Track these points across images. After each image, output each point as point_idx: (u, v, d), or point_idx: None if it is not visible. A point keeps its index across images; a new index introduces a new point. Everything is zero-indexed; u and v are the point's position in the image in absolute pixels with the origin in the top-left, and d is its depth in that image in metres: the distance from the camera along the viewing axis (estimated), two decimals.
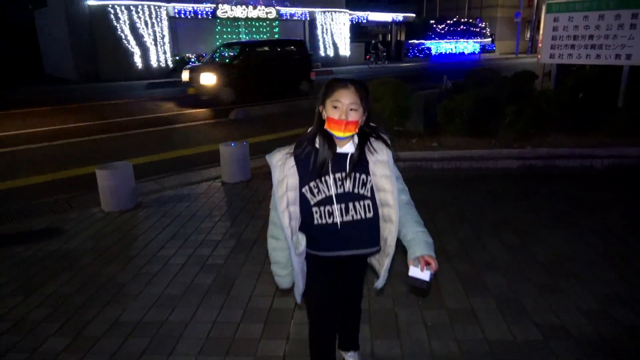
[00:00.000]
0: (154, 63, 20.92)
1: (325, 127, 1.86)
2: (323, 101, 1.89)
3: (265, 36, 24.49)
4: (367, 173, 1.92)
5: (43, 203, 5.34)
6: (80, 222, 4.83)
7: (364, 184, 1.92)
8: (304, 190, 1.91)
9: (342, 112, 1.82)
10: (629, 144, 6.27)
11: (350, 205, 1.92)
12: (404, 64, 29.17)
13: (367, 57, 29.51)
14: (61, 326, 3.03)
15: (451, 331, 2.87)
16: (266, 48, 14.96)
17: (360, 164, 1.91)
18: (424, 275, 1.80)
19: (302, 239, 1.96)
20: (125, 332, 2.96)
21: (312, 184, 1.90)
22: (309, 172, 1.90)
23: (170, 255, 4.02)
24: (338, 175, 1.90)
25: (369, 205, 1.94)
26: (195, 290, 3.44)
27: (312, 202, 1.92)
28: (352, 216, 1.93)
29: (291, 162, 1.91)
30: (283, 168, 1.90)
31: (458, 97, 6.88)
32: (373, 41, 30.19)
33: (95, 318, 3.10)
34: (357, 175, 1.91)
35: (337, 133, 1.83)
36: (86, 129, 9.91)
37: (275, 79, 14.25)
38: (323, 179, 1.90)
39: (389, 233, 1.97)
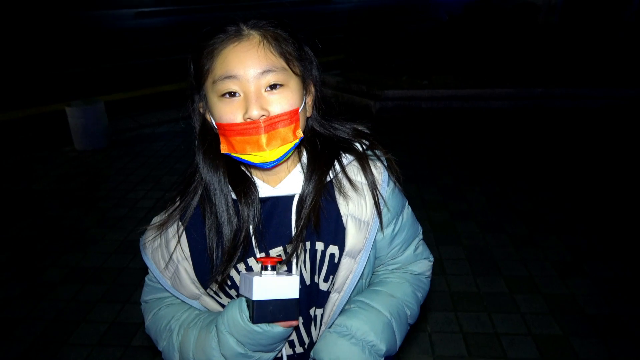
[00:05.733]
0: None
1: (224, 149, 0.86)
2: (200, 87, 0.88)
3: None
4: (338, 238, 0.94)
5: (13, 140, 5.18)
6: (50, 161, 4.67)
7: (333, 266, 0.95)
8: (208, 292, 0.97)
9: (248, 101, 0.81)
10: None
11: (305, 318, 1.00)
12: None
13: None
14: (17, 271, 2.96)
15: None
16: None
17: (320, 217, 0.92)
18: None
19: None
20: (83, 278, 2.89)
21: (219, 279, 0.92)
22: (209, 257, 0.92)
23: (139, 198, 3.90)
24: (275, 252, 0.94)
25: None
26: None
27: None
28: (305, 345, 1.02)
29: (175, 231, 0.95)
30: (166, 249, 0.96)
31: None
32: None
33: (54, 264, 3.03)
34: (316, 245, 0.94)
35: (254, 155, 0.83)
36: None
37: None
38: (242, 266, 0.94)
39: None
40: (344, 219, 0.93)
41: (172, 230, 0.95)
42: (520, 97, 5.88)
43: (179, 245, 0.93)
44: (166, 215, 0.96)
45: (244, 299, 0.87)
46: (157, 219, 0.99)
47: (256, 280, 0.81)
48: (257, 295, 0.81)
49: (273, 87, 0.83)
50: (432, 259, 1.13)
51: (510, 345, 2.32)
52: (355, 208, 0.93)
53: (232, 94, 0.82)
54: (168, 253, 0.94)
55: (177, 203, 0.96)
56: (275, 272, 0.84)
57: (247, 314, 0.84)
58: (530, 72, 6.28)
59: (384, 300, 0.99)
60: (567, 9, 8.19)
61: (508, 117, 5.58)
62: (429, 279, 1.12)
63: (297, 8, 17.39)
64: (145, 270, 1.05)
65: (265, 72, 0.82)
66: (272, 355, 0.90)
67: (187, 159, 4.23)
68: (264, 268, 0.83)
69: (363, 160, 0.95)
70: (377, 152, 0.99)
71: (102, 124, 4.99)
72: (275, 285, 0.82)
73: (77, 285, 2.82)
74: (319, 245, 0.94)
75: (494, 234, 3.24)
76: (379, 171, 0.97)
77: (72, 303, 2.69)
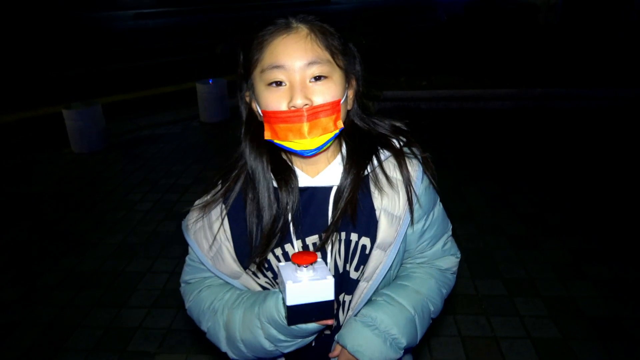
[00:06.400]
0: None
1: (267, 136, 0.88)
2: (248, 76, 0.92)
3: None
4: (370, 230, 0.97)
5: (10, 143, 5.17)
6: (48, 164, 4.66)
7: (364, 257, 0.98)
8: (247, 272, 1.00)
9: (293, 90, 0.84)
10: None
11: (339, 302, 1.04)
12: None
13: None
14: (15, 276, 2.94)
15: None
16: None
17: (357, 209, 0.95)
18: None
19: None
20: (79, 282, 2.87)
21: (257, 262, 0.97)
22: (248, 240, 0.96)
23: (136, 200, 3.88)
24: (311, 240, 0.97)
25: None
26: (156, 238, 3.31)
27: None
28: (332, 329, 1.05)
29: (219, 213, 0.99)
30: (210, 230, 0.99)
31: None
32: None
33: (51, 268, 3.01)
34: (351, 236, 0.97)
35: (296, 142, 0.86)
36: None
37: None
38: (279, 251, 0.98)
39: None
40: (377, 213, 0.96)
41: (215, 212, 0.99)
42: (520, 98, 5.85)
43: (222, 227, 0.97)
44: (209, 197, 0.99)
45: (280, 296, 0.88)
46: (199, 202, 1.01)
47: (289, 285, 0.81)
48: (290, 301, 0.82)
49: (317, 78, 0.85)
50: (459, 255, 1.15)
51: (510, 349, 2.30)
52: (389, 203, 0.96)
53: (279, 83, 0.85)
54: (212, 234, 0.98)
55: (219, 187, 0.99)
56: (310, 270, 0.84)
57: (284, 314, 0.86)
58: (530, 72, 6.26)
59: (409, 295, 1.02)
60: (567, 9, 8.17)
61: (508, 118, 5.56)
62: (455, 275, 1.14)
63: (297, 9, 17.35)
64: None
65: (311, 63, 0.84)
66: (310, 339, 0.95)
67: (185, 161, 4.20)
68: (299, 268, 0.84)
69: (400, 157, 0.98)
70: (414, 149, 1.02)
71: (99, 126, 4.98)
72: (308, 290, 0.82)
73: (73, 290, 2.81)
74: (354, 236, 0.97)
75: (494, 235, 3.22)
76: (414, 168, 0.99)
77: (68, 307, 2.67)
